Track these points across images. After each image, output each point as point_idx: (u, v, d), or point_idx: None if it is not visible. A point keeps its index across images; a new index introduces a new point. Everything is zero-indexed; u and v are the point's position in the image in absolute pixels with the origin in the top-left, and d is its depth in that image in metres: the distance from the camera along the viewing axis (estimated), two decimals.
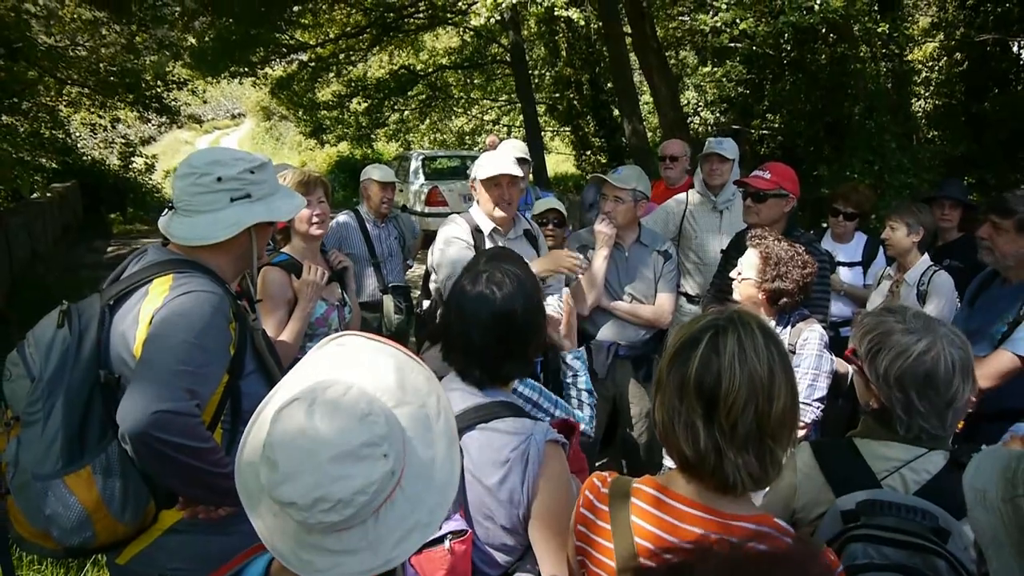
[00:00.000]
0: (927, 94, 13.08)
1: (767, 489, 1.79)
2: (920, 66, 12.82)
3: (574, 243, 4.07)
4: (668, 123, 12.14)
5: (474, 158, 7.07)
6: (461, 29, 21.41)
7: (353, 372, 1.19)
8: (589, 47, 18.89)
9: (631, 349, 3.91)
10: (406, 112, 23.41)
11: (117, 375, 1.89)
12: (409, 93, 22.12)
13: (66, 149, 17.54)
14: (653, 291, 3.91)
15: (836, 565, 1.35)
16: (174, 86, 17.91)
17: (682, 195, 4.78)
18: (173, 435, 1.74)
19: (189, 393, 1.79)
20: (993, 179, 11.12)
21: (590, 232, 3.88)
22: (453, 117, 25.45)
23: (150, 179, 21.73)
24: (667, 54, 15.15)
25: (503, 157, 3.48)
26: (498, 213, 3.42)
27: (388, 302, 4.88)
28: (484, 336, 1.89)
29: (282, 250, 3.24)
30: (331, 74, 21.12)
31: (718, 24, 9.54)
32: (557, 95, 20.68)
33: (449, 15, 19.29)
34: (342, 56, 20.56)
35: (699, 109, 16.85)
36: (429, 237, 3.82)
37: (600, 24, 14.66)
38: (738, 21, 9.03)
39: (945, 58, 12.81)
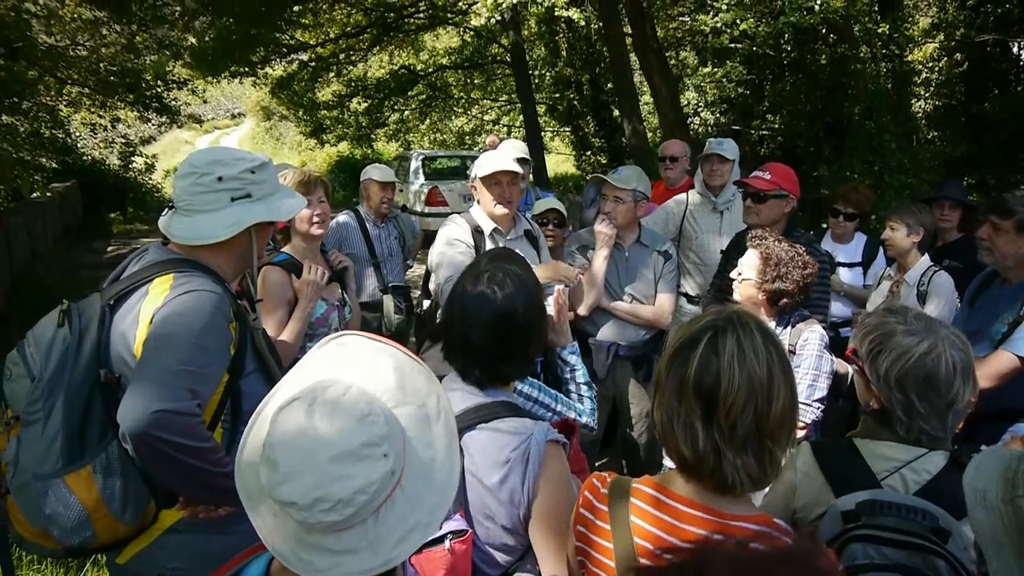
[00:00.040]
0: (927, 95, 13.09)
1: (767, 489, 1.79)
2: (920, 67, 12.82)
3: (574, 243, 4.07)
4: (668, 123, 12.14)
5: (474, 158, 7.06)
6: (461, 29, 21.42)
7: (353, 372, 1.19)
8: (589, 47, 18.89)
9: (631, 349, 3.91)
10: (406, 112, 23.42)
11: (117, 374, 1.89)
12: (409, 93, 22.12)
13: (66, 149, 17.54)
14: (653, 291, 3.91)
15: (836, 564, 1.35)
16: (174, 86, 17.90)
17: (682, 195, 4.78)
18: (174, 435, 1.73)
19: (190, 393, 1.79)
20: (993, 180, 11.13)
21: (590, 232, 3.88)
22: (453, 117, 25.45)
23: (150, 179, 21.74)
24: (667, 54, 15.15)
25: (503, 155, 3.48)
26: (499, 211, 3.41)
27: (388, 302, 4.88)
28: (485, 336, 1.89)
29: (282, 250, 3.24)
30: (331, 74, 21.12)
31: (718, 24, 9.55)
32: (557, 95, 20.68)
33: (449, 15, 19.29)
34: (342, 56, 20.57)
35: (699, 109, 16.85)
36: (429, 237, 3.82)
37: (600, 24, 14.67)
38: (738, 22, 9.04)
39: (945, 59, 12.81)
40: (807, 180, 8.97)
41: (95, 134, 19.57)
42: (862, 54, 10.58)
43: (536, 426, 1.84)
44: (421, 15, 20.05)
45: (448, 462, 1.22)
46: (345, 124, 22.04)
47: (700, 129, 16.28)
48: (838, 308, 4.47)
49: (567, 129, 21.70)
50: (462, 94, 24.11)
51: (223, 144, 18.67)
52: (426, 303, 3.80)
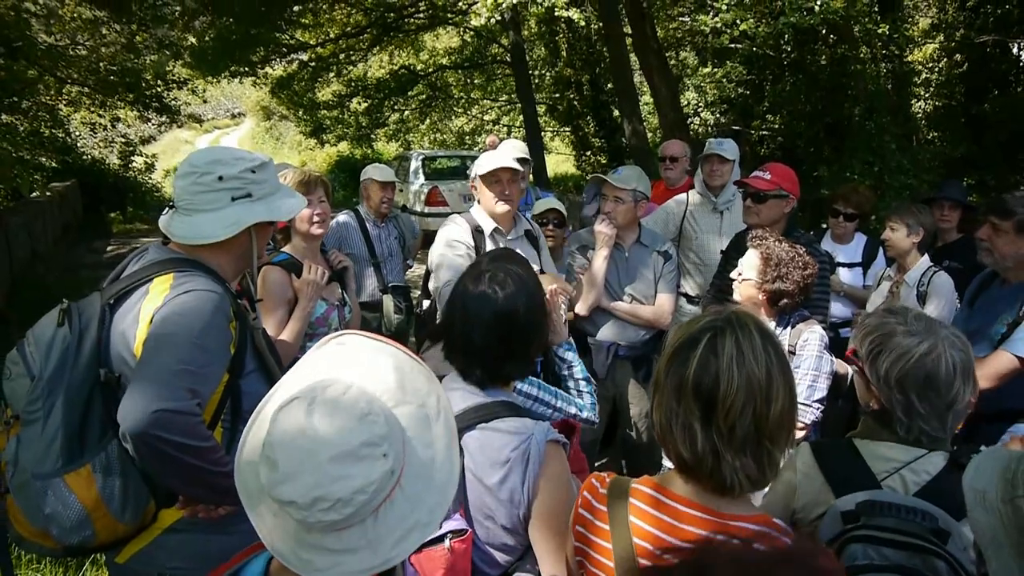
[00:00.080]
0: (927, 95, 13.09)
1: (766, 489, 1.79)
2: (920, 67, 12.82)
3: (574, 243, 4.07)
4: (668, 124, 12.15)
5: (474, 158, 7.06)
6: (461, 29, 21.41)
7: (353, 371, 1.19)
8: (589, 47, 18.89)
9: (631, 349, 3.91)
10: (406, 112, 23.42)
11: (117, 374, 1.89)
12: (409, 93, 22.12)
13: (66, 148, 17.54)
14: (653, 291, 3.91)
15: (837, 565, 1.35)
16: (174, 85, 17.90)
17: (682, 196, 4.78)
18: (174, 434, 1.73)
19: (190, 392, 1.79)
20: (993, 180, 11.13)
21: (590, 232, 3.88)
22: (453, 117, 25.45)
23: (150, 178, 21.73)
24: (667, 55, 15.15)
25: (502, 153, 3.49)
26: (500, 208, 3.41)
27: (388, 302, 4.88)
28: (486, 336, 1.89)
29: (282, 249, 3.24)
30: (331, 74, 21.12)
31: (718, 25, 9.55)
32: (557, 95, 20.68)
33: (449, 15, 19.29)
34: (342, 56, 20.57)
35: (699, 110, 16.85)
36: (429, 237, 3.82)
37: (600, 24, 14.67)
38: (738, 22, 9.04)
39: (945, 59, 12.81)
40: (807, 180, 8.97)
41: (95, 133, 19.57)
42: (862, 55, 10.59)
43: (536, 426, 1.84)
44: (421, 15, 20.05)
45: (448, 462, 1.22)
46: (345, 124, 22.05)
47: (700, 129, 16.29)
48: (838, 308, 4.47)
49: (567, 129, 21.70)
50: (462, 94, 24.11)
51: (223, 144, 18.69)
52: (426, 303, 3.79)
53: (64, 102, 16.81)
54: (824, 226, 5.21)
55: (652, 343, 3.95)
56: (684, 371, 1.38)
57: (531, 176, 6.97)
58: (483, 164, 3.44)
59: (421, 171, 14.28)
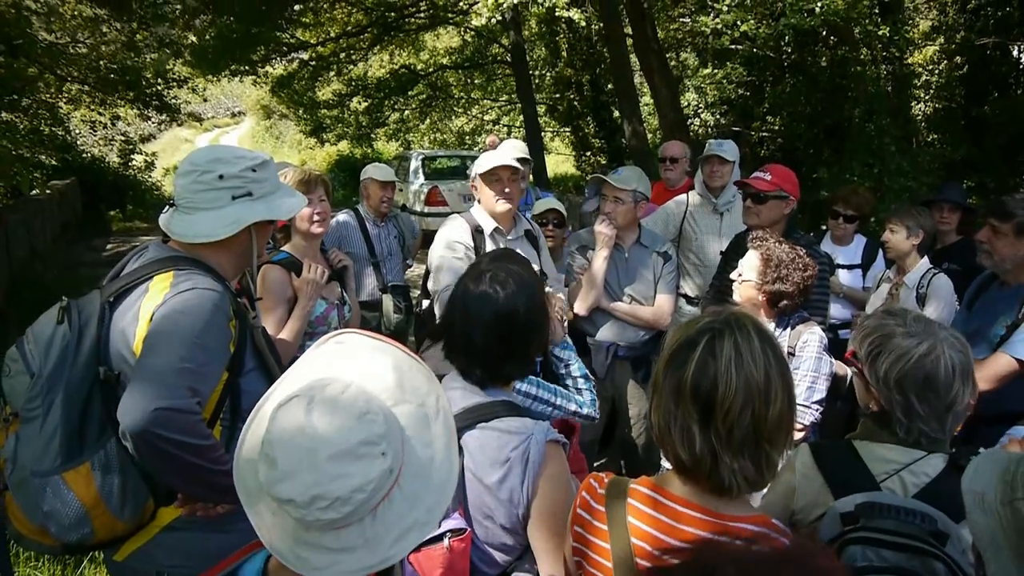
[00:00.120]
0: (927, 97, 13.08)
1: (765, 489, 1.79)
2: (920, 69, 12.81)
3: (574, 243, 4.07)
4: (668, 124, 12.15)
5: (474, 158, 7.06)
6: (462, 29, 21.42)
7: (352, 370, 1.19)
8: (590, 48, 18.88)
9: (630, 350, 3.91)
10: (406, 112, 23.40)
11: (116, 372, 1.88)
12: (409, 93, 22.09)
13: (66, 146, 17.49)
14: (652, 292, 3.91)
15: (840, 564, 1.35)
16: (174, 84, 17.85)
17: (682, 196, 4.78)
18: (174, 432, 1.73)
19: (190, 391, 1.79)
20: (992, 183, 11.12)
21: (590, 232, 3.88)
22: (453, 117, 25.44)
23: (150, 177, 21.70)
24: (668, 55, 15.17)
25: (502, 152, 3.49)
26: (500, 207, 3.42)
27: (387, 301, 4.87)
28: (486, 336, 1.89)
29: (282, 248, 3.24)
30: (331, 73, 21.09)
31: (719, 26, 9.54)
32: (557, 96, 20.67)
33: (450, 15, 19.29)
34: (343, 55, 20.55)
35: (699, 111, 16.87)
36: (429, 237, 3.82)
37: (601, 25, 14.68)
38: (739, 23, 9.03)
39: (945, 62, 12.81)
40: (807, 182, 8.98)
41: (95, 132, 19.52)
42: (862, 56, 10.59)
43: (536, 426, 1.84)
44: (422, 15, 20.04)
45: (447, 461, 1.22)
46: (345, 123, 22.03)
47: (700, 130, 16.31)
48: (837, 310, 4.47)
49: (567, 129, 21.68)
50: (462, 94, 24.10)
51: (223, 142, 18.63)
52: (425, 303, 3.79)
53: (64, 100, 16.77)
54: (824, 228, 5.21)
55: (651, 343, 3.95)
56: (682, 373, 1.38)
57: (531, 176, 6.97)
58: (483, 163, 3.44)
59: (421, 171, 14.28)
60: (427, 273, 3.69)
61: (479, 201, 3.54)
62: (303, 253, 3.18)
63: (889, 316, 1.83)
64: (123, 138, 20.42)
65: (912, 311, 1.90)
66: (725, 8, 9.21)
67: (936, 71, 12.99)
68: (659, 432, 1.44)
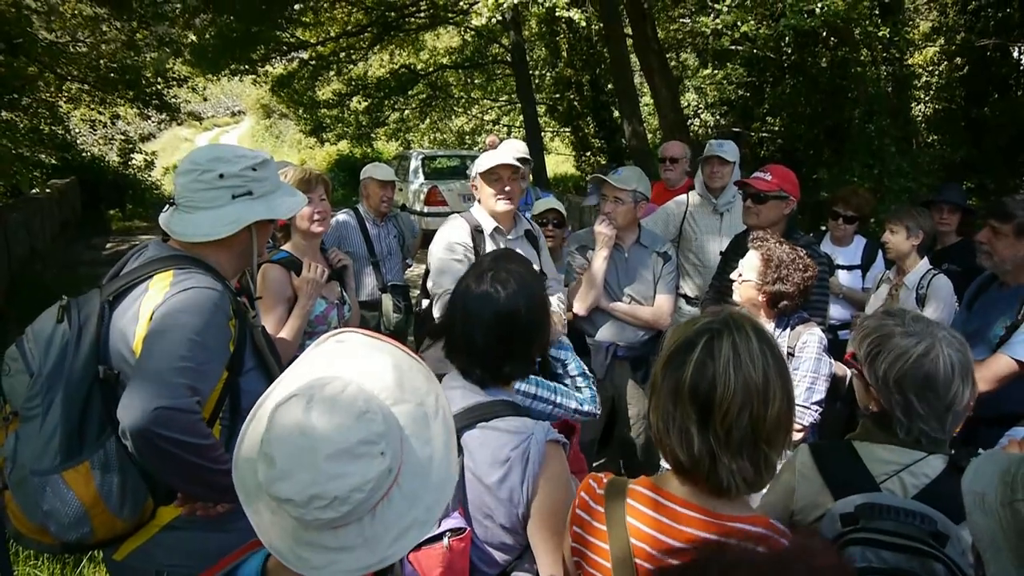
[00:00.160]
0: (927, 98, 13.08)
1: (765, 490, 1.79)
2: (920, 70, 12.81)
3: (573, 243, 4.07)
4: (668, 125, 12.15)
5: (474, 158, 7.07)
6: (462, 29, 21.41)
7: (352, 369, 1.19)
8: (590, 48, 18.87)
9: (630, 350, 3.91)
10: (406, 111, 23.42)
11: (116, 371, 1.88)
12: (409, 92, 22.10)
13: (65, 145, 17.48)
14: (652, 292, 3.91)
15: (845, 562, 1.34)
16: (174, 83, 17.83)
17: (682, 197, 4.78)
18: (174, 432, 1.73)
19: (190, 390, 1.79)
20: (992, 184, 11.13)
21: (589, 232, 3.88)
22: (453, 117, 25.46)
23: (149, 176, 21.68)
24: (668, 56, 15.16)
25: (502, 151, 3.49)
26: (501, 207, 3.42)
27: (387, 301, 4.87)
28: (487, 335, 1.89)
29: (282, 248, 3.23)
30: (332, 72, 21.09)
31: (719, 26, 9.54)
32: (557, 96, 20.65)
33: (450, 15, 19.29)
34: (343, 55, 20.55)
35: (699, 111, 16.88)
36: (428, 236, 3.82)
37: (601, 25, 14.68)
38: (739, 24, 9.03)
39: (945, 62, 12.80)
40: (807, 183, 8.97)
41: (95, 131, 19.48)
42: (862, 57, 10.59)
43: (536, 426, 1.84)
44: (422, 14, 20.05)
45: (446, 460, 1.22)
46: (345, 123, 22.02)
47: (700, 131, 16.31)
48: (837, 311, 4.48)
49: (567, 130, 21.67)
50: (462, 94, 24.11)
51: (223, 142, 18.66)
52: (425, 302, 3.79)
53: (64, 99, 16.76)
54: (823, 228, 5.21)
55: (651, 344, 3.95)
56: (680, 374, 1.38)
57: (531, 176, 6.98)
58: (484, 162, 3.44)
59: (421, 170, 14.27)
60: (427, 272, 3.69)
61: (479, 201, 3.54)
62: (303, 252, 3.18)
63: (888, 316, 1.83)
64: (123, 137, 20.38)
65: (911, 311, 1.90)
66: (725, 9, 9.21)
67: (936, 72, 12.99)
68: (657, 433, 1.44)
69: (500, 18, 10.73)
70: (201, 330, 1.85)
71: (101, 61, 16.09)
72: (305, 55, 20.53)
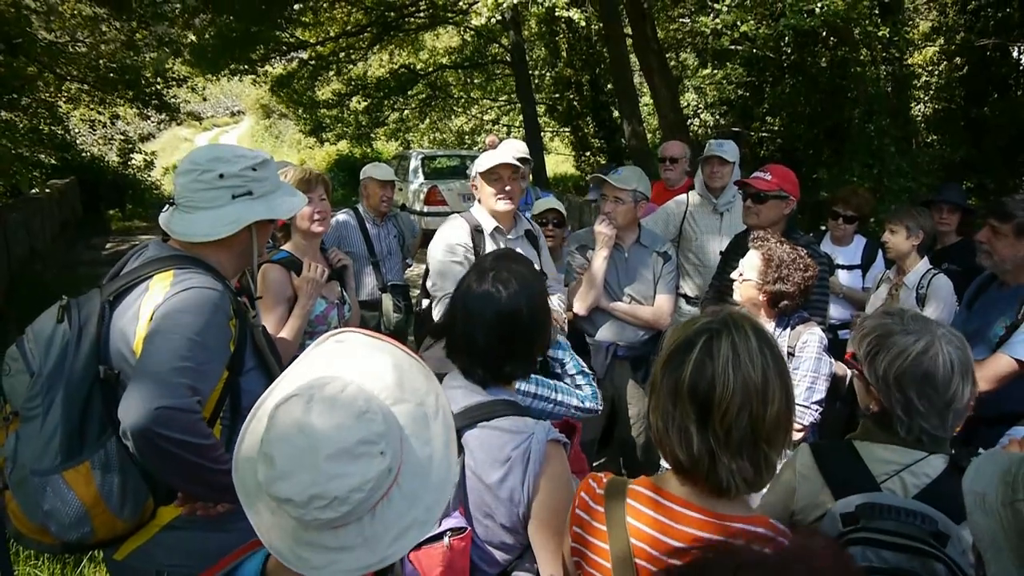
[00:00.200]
0: (927, 98, 13.08)
1: (765, 489, 1.79)
2: (920, 70, 12.80)
3: (573, 243, 4.07)
4: (668, 125, 12.16)
5: (473, 157, 7.07)
6: (462, 29, 21.41)
7: (351, 369, 1.19)
8: (590, 48, 18.88)
9: (630, 350, 3.91)
10: (406, 111, 23.43)
11: (116, 371, 1.88)
12: (409, 92, 22.11)
13: (65, 145, 17.47)
14: (652, 292, 3.91)
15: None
16: (174, 83, 17.84)
17: (682, 196, 4.78)
18: (175, 431, 1.73)
19: (190, 390, 1.79)
20: (992, 184, 11.13)
21: (589, 232, 3.88)
22: (453, 117, 25.46)
23: (149, 176, 21.68)
24: (667, 56, 15.16)
25: (503, 151, 3.49)
26: (501, 206, 3.41)
27: (387, 301, 4.87)
28: (488, 335, 1.89)
29: (282, 247, 3.23)
30: (331, 72, 21.11)
31: (719, 26, 9.54)
32: (557, 96, 20.66)
33: (450, 15, 19.30)
34: (342, 55, 20.57)
35: (699, 111, 16.88)
36: (428, 236, 3.82)
37: (601, 25, 14.68)
38: (739, 23, 9.03)
39: (945, 62, 12.80)
40: (807, 182, 8.98)
41: (94, 131, 19.47)
42: (862, 57, 10.59)
43: (537, 425, 1.84)
44: (421, 14, 20.06)
45: (445, 460, 1.22)
46: (345, 123, 22.03)
47: (700, 131, 16.30)
48: (837, 310, 4.48)
49: (567, 129, 21.68)
50: (462, 94, 24.11)
51: (222, 142, 18.64)
52: (425, 302, 3.79)
53: (63, 99, 16.75)
54: (823, 228, 5.21)
55: (651, 343, 3.95)
56: (680, 374, 1.38)
57: (531, 176, 6.98)
58: (484, 162, 3.44)
59: (420, 170, 14.28)
60: (427, 272, 3.69)
61: (479, 200, 3.53)
62: (303, 252, 3.18)
63: (887, 316, 1.83)
64: (122, 137, 20.36)
65: (910, 310, 1.90)
66: (725, 8, 9.21)
67: (936, 72, 12.99)
68: (657, 433, 1.44)
69: (500, 18, 10.73)
70: (201, 330, 1.85)
71: (100, 61, 16.10)
72: (305, 55, 20.54)
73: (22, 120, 14.37)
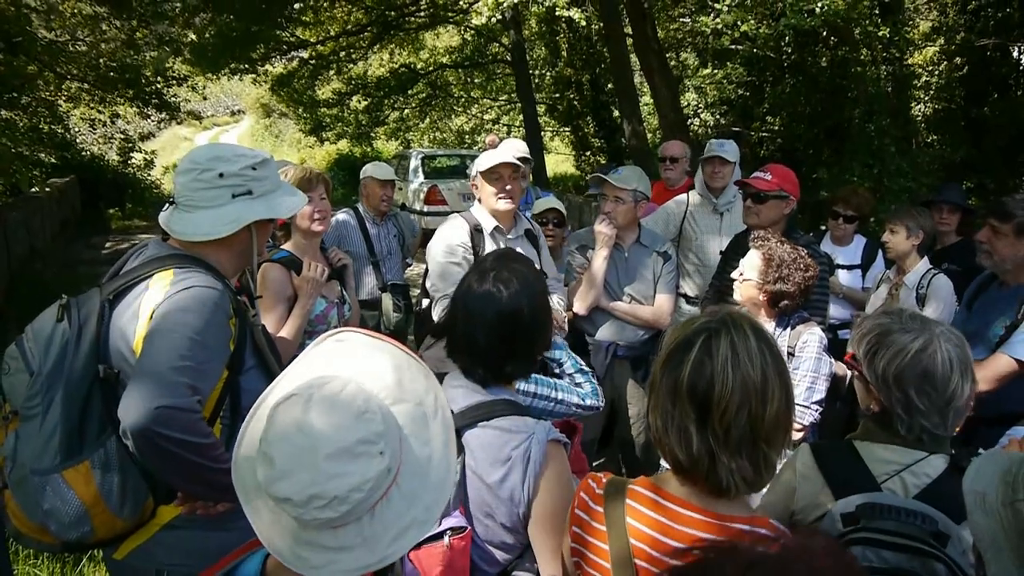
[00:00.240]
0: (927, 98, 13.09)
1: (765, 489, 1.79)
2: (920, 70, 12.81)
3: (573, 243, 4.07)
4: (668, 124, 12.16)
5: (474, 157, 7.07)
6: (462, 28, 21.42)
7: (351, 368, 1.19)
8: (590, 47, 18.88)
9: (629, 349, 3.90)
10: (406, 111, 23.42)
11: (116, 370, 1.88)
12: (409, 92, 22.10)
13: (65, 144, 17.46)
14: (652, 292, 3.90)
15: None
16: (174, 82, 17.81)
17: (682, 196, 4.78)
18: (175, 431, 1.73)
19: (190, 389, 1.79)
20: (992, 184, 11.14)
21: (589, 232, 3.88)
22: (453, 116, 25.46)
23: (149, 175, 21.67)
24: (668, 55, 15.17)
25: (503, 150, 3.49)
26: (501, 206, 3.41)
27: (387, 300, 4.87)
28: (489, 335, 1.88)
29: (282, 247, 3.23)
30: (331, 72, 21.11)
31: (719, 26, 9.54)
32: (557, 95, 20.66)
33: (450, 14, 19.31)
34: (343, 54, 20.57)
35: (699, 111, 16.88)
36: (428, 235, 3.82)
37: (601, 24, 14.69)
38: (739, 23, 9.03)
39: (945, 62, 12.81)
40: (807, 182, 8.98)
41: (94, 130, 19.46)
42: (862, 57, 10.59)
43: (538, 425, 1.84)
44: (422, 14, 20.05)
45: (445, 460, 1.22)
46: (345, 122, 22.02)
47: (700, 130, 16.31)
48: (836, 310, 4.48)
49: (567, 129, 21.68)
50: (462, 93, 24.12)
51: (222, 141, 18.61)
52: (425, 301, 3.79)
53: (63, 98, 16.74)
54: (823, 228, 5.21)
55: (651, 343, 3.95)
56: (679, 373, 1.38)
57: (531, 176, 6.98)
58: (484, 161, 3.44)
59: (420, 170, 14.27)
60: (427, 271, 3.69)
61: (479, 200, 3.53)
62: (303, 251, 3.18)
63: (885, 315, 1.83)
64: (122, 136, 20.34)
65: (908, 309, 1.90)
66: (725, 8, 9.21)
67: (936, 72, 13.00)
68: (657, 433, 1.44)
69: (500, 17, 10.74)
70: (201, 329, 1.85)
71: (101, 60, 16.10)
72: (305, 54, 20.54)
73: (22, 119, 14.36)
